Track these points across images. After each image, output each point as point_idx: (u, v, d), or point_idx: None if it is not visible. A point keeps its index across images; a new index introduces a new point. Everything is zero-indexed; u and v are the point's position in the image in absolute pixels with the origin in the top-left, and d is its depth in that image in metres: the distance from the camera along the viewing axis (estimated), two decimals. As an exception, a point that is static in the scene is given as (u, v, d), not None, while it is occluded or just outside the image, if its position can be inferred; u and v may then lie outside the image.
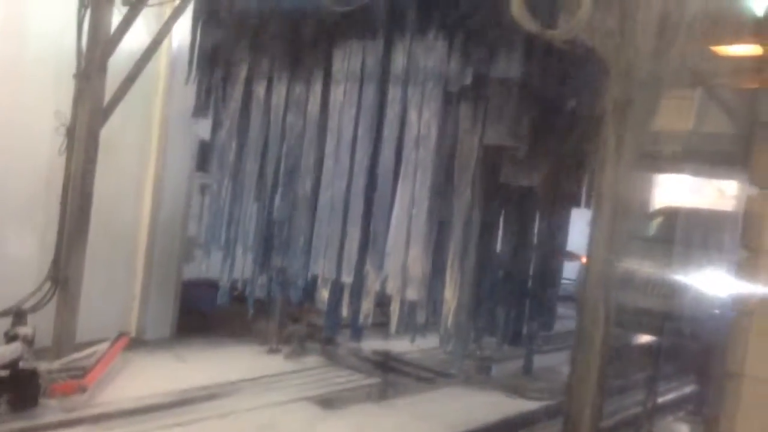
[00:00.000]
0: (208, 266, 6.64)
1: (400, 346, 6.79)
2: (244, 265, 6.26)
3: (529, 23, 3.69)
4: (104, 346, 6.00)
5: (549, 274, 5.67)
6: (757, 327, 2.57)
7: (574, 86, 5.06)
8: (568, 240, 5.77)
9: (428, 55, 4.84)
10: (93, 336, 6.13)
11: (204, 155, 7.02)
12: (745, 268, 2.75)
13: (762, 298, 2.64)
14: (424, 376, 6.83)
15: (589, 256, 4.04)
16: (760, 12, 4.24)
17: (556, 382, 6.36)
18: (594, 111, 4.60)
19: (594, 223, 4.04)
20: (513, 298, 5.52)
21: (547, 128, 5.03)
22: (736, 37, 4.68)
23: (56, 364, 5.48)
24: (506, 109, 4.75)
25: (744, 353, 2.61)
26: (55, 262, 5.82)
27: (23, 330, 5.56)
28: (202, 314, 7.43)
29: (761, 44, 3.08)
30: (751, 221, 2.74)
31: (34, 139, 5.91)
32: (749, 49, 4.69)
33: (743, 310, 2.74)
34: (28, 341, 5.64)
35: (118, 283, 6.80)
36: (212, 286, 6.67)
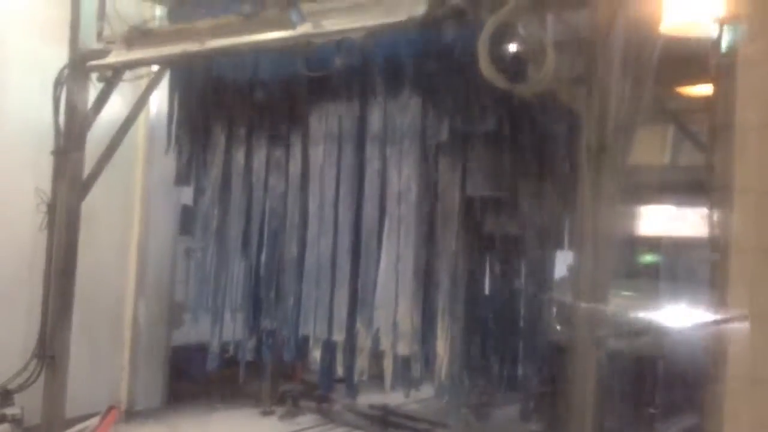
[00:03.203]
0: (197, 331, 6.59)
1: (396, 398, 6.72)
2: (233, 329, 6.21)
3: (498, 80, 3.77)
4: (95, 421, 5.91)
5: (539, 316, 5.68)
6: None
7: (551, 132, 5.15)
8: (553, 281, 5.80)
9: (404, 113, 4.92)
10: (83, 410, 6.04)
11: (187, 220, 7.02)
12: (717, 271, 2.82)
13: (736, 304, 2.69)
14: (422, 428, 6.74)
15: (575, 299, 4.07)
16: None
17: (556, 424, 6.30)
18: (571, 156, 4.69)
19: (578, 266, 4.08)
20: (505, 344, 5.50)
21: (527, 175, 5.10)
22: (702, 76, 4.82)
23: (47, 444, 5.39)
24: (485, 160, 4.82)
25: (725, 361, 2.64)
26: (41, 340, 5.76)
27: (11, 411, 5.50)
28: (193, 380, 7.33)
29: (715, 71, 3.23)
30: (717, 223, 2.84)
31: (14, 218, 5.90)
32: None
33: (718, 320, 2.78)
34: (17, 421, 5.56)
35: (105, 354, 6.72)
36: (202, 350, 6.60)
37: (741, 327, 2.68)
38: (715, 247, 2.81)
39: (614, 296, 4.21)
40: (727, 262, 2.72)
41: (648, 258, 8.99)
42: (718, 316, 2.74)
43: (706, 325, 2.88)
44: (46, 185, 5.84)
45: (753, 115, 2.76)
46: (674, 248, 8.84)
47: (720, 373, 2.67)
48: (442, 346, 4.97)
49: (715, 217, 2.83)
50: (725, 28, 2.95)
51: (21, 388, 5.65)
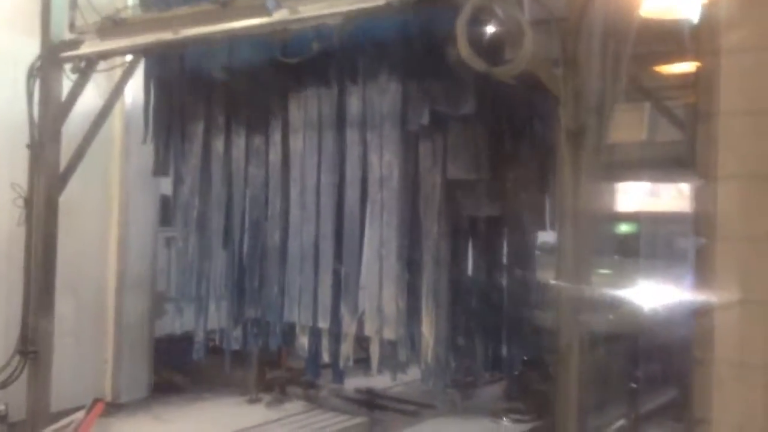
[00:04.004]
0: (181, 321, 6.56)
1: (382, 381, 6.77)
2: (218, 318, 6.20)
3: (477, 63, 3.77)
4: (80, 414, 5.87)
5: (522, 297, 5.73)
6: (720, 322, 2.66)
7: (530, 114, 5.17)
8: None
9: (383, 98, 4.92)
10: (68, 404, 6.01)
11: (167, 210, 6.97)
12: (703, 257, 2.86)
13: (722, 289, 2.73)
14: (409, 410, 6.81)
15: (558, 279, 4.11)
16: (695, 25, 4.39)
17: (540, 402, 6.39)
18: (550, 136, 4.72)
19: (560, 246, 4.12)
20: (489, 325, 5.56)
21: (507, 157, 5.13)
22: (679, 54, 4.87)
23: (33, 440, 5.37)
24: (465, 143, 4.84)
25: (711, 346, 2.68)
26: (23, 335, 5.70)
27: (-5, 407, 5.45)
28: (178, 370, 7.32)
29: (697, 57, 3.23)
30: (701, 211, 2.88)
31: (-10, 214, 5.82)
32: (692, 65, 4.86)
33: (704, 305, 2.82)
34: (2, 418, 5.53)
35: (89, 347, 6.68)
36: (186, 340, 6.59)
37: (728, 312, 2.72)
38: (700, 233, 2.84)
39: (594, 275, 4.27)
40: (713, 248, 2.76)
41: (624, 228, 9.09)
42: (703, 301, 2.78)
43: (691, 307, 2.93)
44: (23, 179, 5.76)
45: (736, 101, 2.78)
46: (652, 224, 8.97)
47: (707, 356, 2.72)
48: (427, 329, 5.01)
49: (699, 203, 2.87)
50: (707, 12, 2.96)
51: (4, 384, 5.61)
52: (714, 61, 2.81)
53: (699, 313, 2.83)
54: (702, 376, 2.74)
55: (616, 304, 6.08)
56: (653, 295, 6.92)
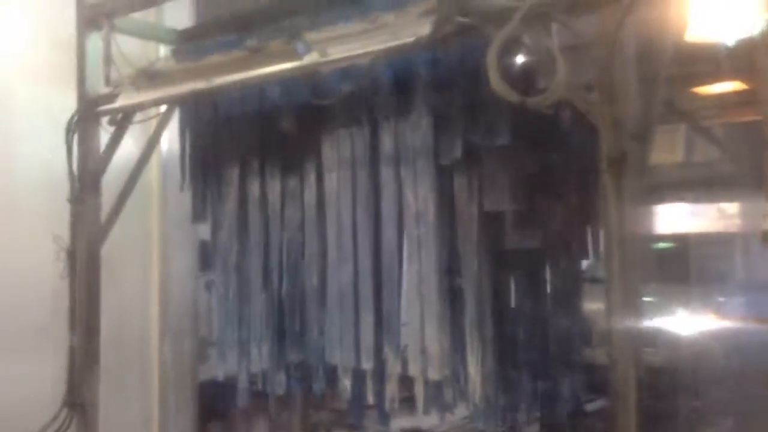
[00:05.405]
0: (224, 367, 6.53)
1: (429, 420, 6.61)
2: (260, 362, 6.15)
3: (509, 94, 3.72)
4: (128, 466, 5.86)
5: (569, 330, 5.56)
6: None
7: (567, 141, 5.08)
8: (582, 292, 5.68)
9: (415, 134, 4.86)
10: (116, 456, 6.00)
11: (206, 255, 7.00)
12: None
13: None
14: (458, 449, 6.63)
15: (608, 312, 3.97)
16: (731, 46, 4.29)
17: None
18: (587, 162, 4.62)
19: (608, 277, 3.99)
20: (537, 361, 5.39)
21: (545, 186, 5.03)
22: (716, 75, 4.77)
23: (82, 495, 5.34)
24: (501, 174, 4.75)
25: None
26: (69, 389, 5.72)
27: (44, 462, 5.45)
28: (222, 416, 7.28)
29: (739, 78, 3.12)
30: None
31: (34, 269, 5.92)
32: (730, 86, 4.76)
33: None
34: (51, 472, 5.52)
35: (134, 398, 6.70)
36: (230, 385, 6.54)
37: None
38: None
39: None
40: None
41: (665, 251, 8.83)
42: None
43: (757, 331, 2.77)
44: (64, 232, 5.84)
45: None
46: (695, 246, 8.71)
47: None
48: (473, 368, 4.88)
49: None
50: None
51: (53, 438, 5.62)
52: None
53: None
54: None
55: (668, 334, 5.88)
56: (703, 321, 6.69)
